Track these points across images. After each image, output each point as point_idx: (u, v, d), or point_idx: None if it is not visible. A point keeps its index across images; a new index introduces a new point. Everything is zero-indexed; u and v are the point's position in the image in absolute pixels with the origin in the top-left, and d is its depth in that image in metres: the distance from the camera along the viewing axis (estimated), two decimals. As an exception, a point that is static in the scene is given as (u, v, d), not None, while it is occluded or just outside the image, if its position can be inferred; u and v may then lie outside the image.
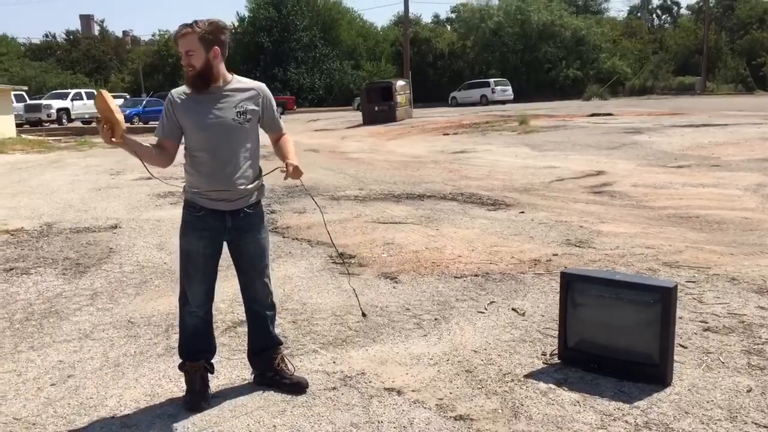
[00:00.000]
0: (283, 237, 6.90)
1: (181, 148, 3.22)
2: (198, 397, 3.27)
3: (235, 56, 56.47)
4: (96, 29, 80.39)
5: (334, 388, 3.42)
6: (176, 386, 3.49)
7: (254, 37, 54.74)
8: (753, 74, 48.16)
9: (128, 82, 63.65)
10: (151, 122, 34.47)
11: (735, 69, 50.89)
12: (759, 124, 17.34)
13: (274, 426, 3.08)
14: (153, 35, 75.31)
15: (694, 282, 4.88)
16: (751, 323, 4.07)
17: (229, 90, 3.16)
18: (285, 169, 3.16)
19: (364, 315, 4.26)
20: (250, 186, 3.20)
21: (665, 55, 55.88)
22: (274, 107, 3.32)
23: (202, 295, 3.26)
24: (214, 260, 3.27)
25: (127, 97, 44.98)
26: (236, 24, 58.81)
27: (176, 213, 8.33)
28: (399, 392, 3.36)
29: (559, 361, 3.62)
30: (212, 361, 3.41)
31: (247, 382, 3.52)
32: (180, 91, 3.18)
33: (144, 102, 37.71)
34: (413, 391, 3.37)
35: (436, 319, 4.38)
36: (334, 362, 3.75)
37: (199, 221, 3.18)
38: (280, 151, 3.31)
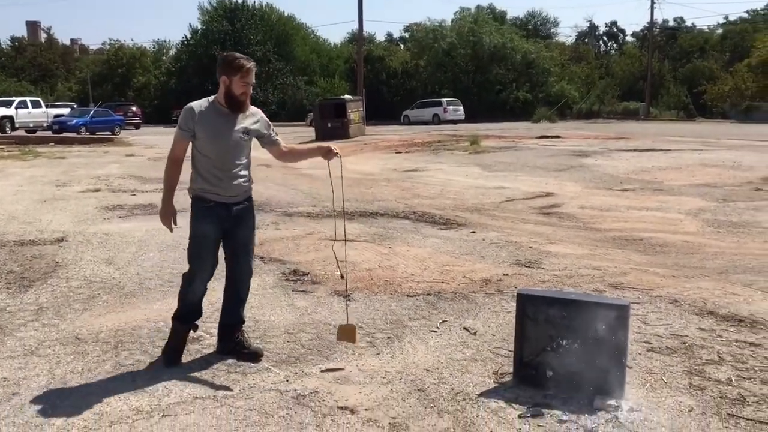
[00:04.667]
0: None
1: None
2: (176, 352, 4.02)
3: (187, 68, 56.19)
4: (43, 36, 78.67)
5: (287, 407, 3.41)
6: (125, 404, 3.44)
7: (207, 50, 54.29)
8: (694, 102, 49.90)
9: (76, 92, 62.47)
10: (98, 132, 33.87)
11: (677, 96, 52.63)
12: (700, 150, 17.98)
13: (227, 445, 3.06)
14: (103, 44, 74.14)
15: (638, 303, 5.03)
16: (692, 344, 4.22)
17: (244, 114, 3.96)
18: (329, 154, 3.97)
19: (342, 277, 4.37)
20: (245, 184, 4.00)
21: (611, 81, 57.51)
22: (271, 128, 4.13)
23: (209, 273, 3.98)
24: (218, 245, 3.99)
25: (75, 106, 44.04)
26: (189, 36, 58.34)
27: (125, 227, 8.28)
28: (352, 411, 3.37)
29: (511, 379, 3.68)
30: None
31: (198, 399, 3.49)
32: (201, 105, 3.87)
33: (92, 112, 37.04)
34: (366, 410, 3.39)
35: (389, 338, 4.42)
36: (287, 381, 3.75)
37: (209, 211, 3.89)
38: (295, 152, 4.32)
